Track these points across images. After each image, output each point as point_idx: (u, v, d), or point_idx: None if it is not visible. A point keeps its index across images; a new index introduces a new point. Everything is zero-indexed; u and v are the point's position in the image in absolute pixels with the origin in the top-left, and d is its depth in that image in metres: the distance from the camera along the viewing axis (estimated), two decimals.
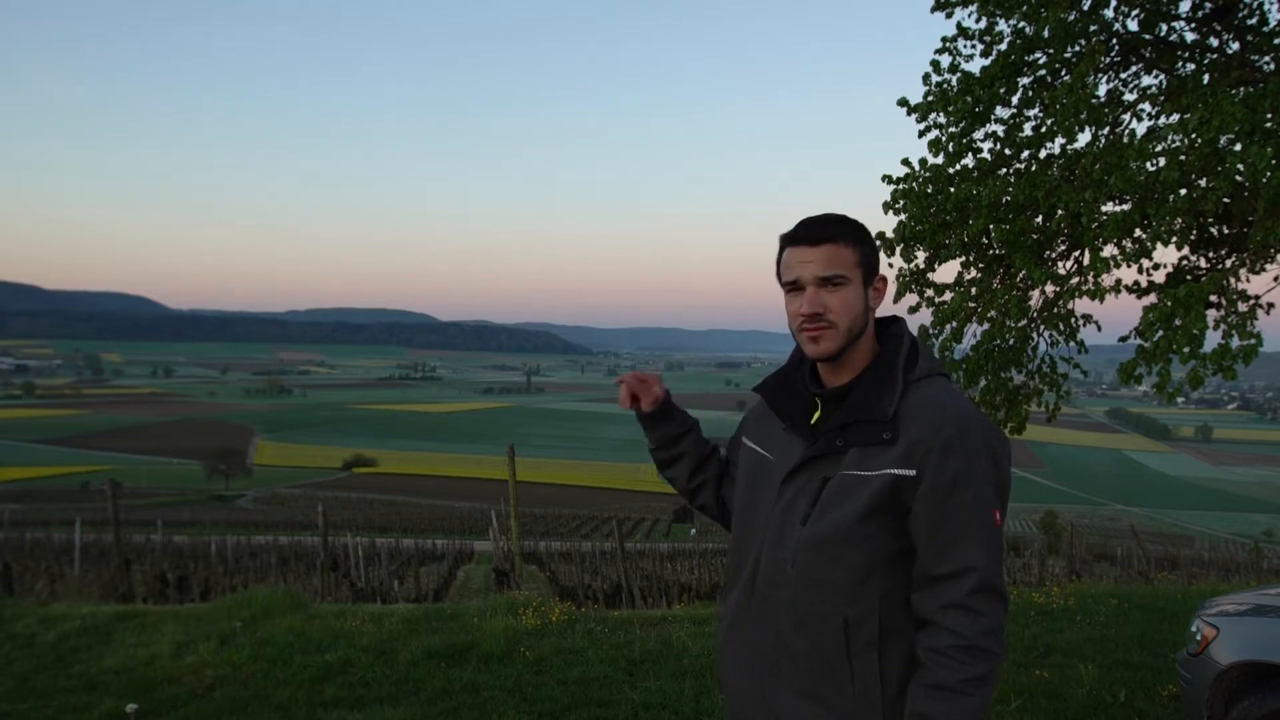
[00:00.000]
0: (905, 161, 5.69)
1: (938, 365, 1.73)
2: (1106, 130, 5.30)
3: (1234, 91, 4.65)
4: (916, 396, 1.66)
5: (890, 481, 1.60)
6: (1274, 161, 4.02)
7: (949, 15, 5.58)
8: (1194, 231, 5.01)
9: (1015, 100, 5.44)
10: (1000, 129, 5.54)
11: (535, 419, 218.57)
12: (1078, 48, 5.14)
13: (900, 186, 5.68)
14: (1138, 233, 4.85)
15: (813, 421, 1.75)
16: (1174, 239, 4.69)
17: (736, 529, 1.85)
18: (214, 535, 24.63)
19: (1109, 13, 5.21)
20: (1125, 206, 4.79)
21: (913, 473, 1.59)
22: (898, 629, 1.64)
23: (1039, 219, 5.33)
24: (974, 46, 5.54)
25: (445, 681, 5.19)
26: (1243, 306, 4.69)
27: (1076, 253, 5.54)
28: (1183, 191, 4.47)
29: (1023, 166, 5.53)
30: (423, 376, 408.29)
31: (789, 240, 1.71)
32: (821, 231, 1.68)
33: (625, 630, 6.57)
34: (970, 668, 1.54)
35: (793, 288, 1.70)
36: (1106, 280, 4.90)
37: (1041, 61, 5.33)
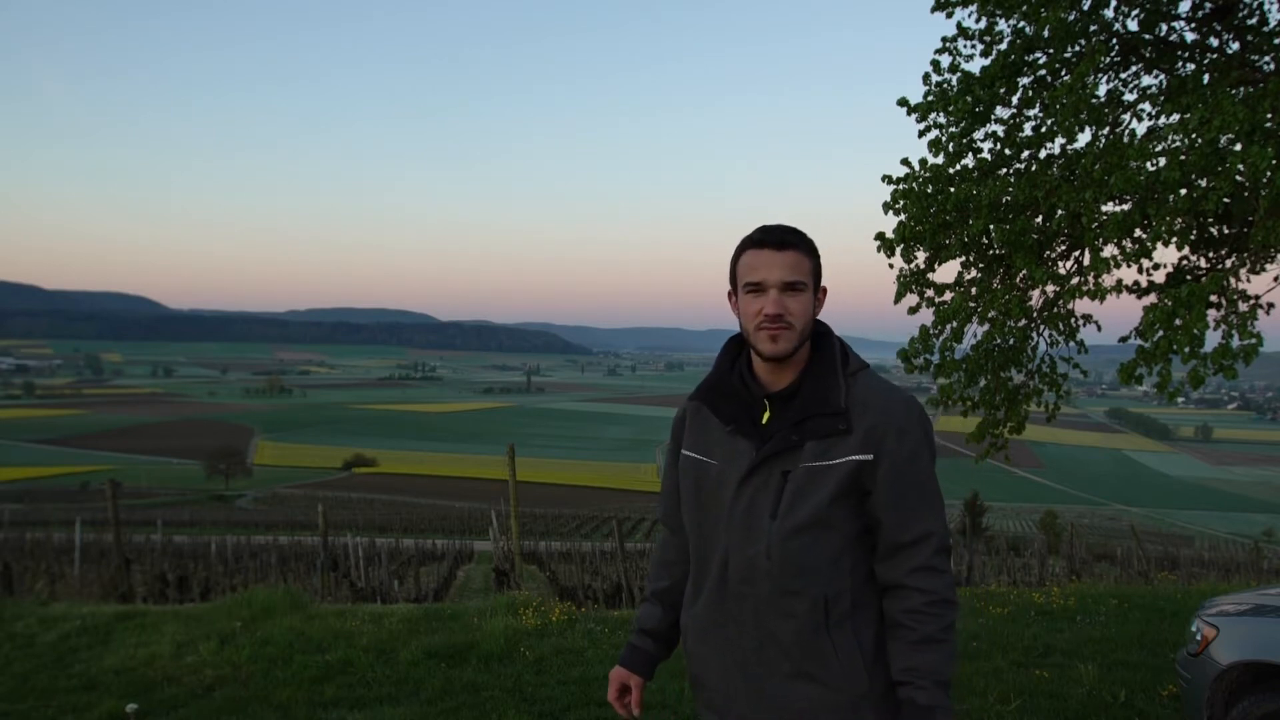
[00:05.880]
0: (905, 161, 5.69)
1: (861, 359, 1.89)
2: (1106, 130, 5.29)
3: (1234, 91, 4.65)
4: (859, 389, 1.80)
5: (853, 467, 1.74)
6: (1274, 161, 4.02)
7: (949, 15, 5.57)
8: (1194, 231, 5.00)
9: (1015, 100, 5.44)
10: (1000, 129, 5.53)
11: (535, 419, 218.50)
12: (1078, 48, 5.14)
13: (900, 186, 5.67)
14: (1138, 233, 4.84)
15: (764, 421, 1.84)
16: (1174, 239, 4.69)
17: (693, 537, 1.92)
18: (214, 535, 24.62)
19: (1109, 13, 5.20)
20: (1125, 206, 4.78)
21: (870, 457, 1.74)
22: (865, 600, 1.81)
23: (1039, 219, 5.32)
24: (974, 46, 5.53)
25: (445, 681, 5.19)
26: (1243, 306, 4.70)
27: (1076, 253, 5.53)
28: (1183, 191, 4.46)
29: (1023, 166, 5.52)
30: (422, 376, 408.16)
31: (753, 244, 1.82)
32: (785, 238, 1.80)
33: (625, 630, 6.57)
34: (943, 618, 1.74)
35: (755, 289, 1.80)
36: (1107, 280, 4.90)
37: (1041, 61, 5.33)
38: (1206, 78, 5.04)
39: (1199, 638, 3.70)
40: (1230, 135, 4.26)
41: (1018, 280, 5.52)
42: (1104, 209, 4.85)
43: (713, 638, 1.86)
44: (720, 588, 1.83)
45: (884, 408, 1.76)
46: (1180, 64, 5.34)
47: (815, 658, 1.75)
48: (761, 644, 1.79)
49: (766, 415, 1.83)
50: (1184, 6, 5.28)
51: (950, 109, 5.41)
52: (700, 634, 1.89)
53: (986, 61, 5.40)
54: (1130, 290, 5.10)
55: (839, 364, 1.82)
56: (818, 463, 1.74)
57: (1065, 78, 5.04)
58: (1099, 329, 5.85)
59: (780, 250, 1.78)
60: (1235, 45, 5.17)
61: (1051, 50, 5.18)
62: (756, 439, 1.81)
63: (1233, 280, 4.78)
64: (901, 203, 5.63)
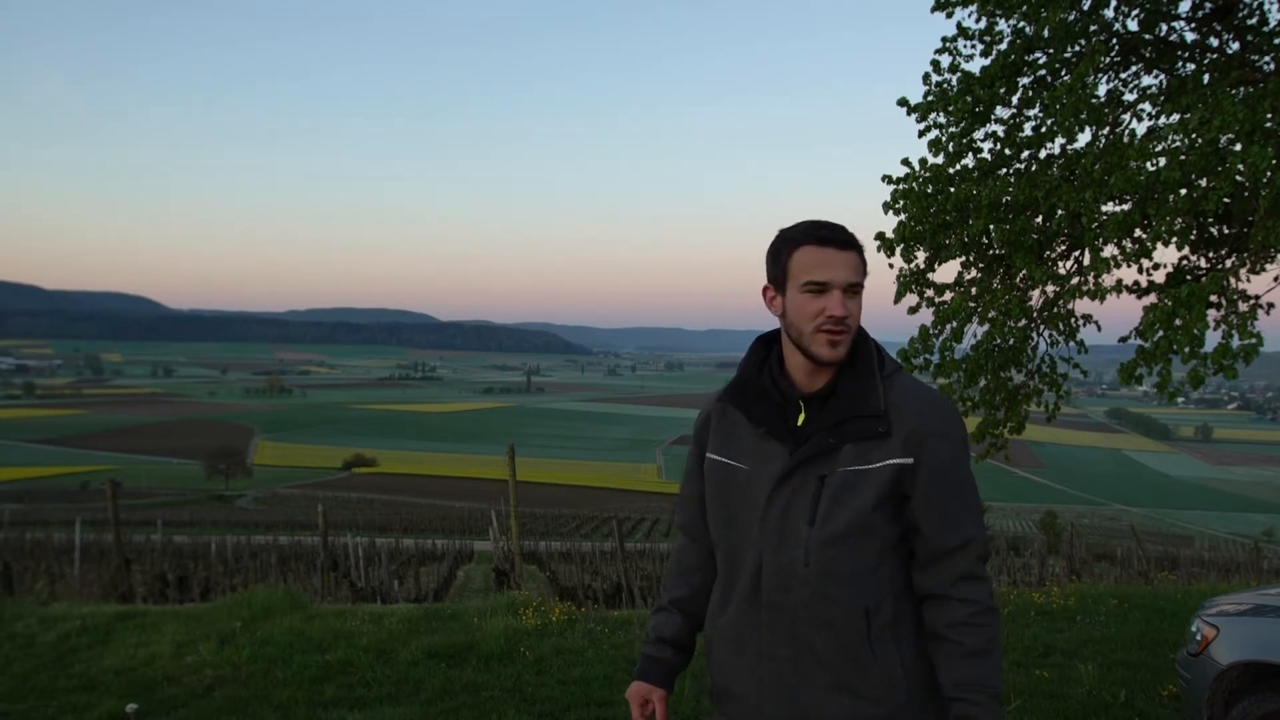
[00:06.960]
0: (905, 161, 5.69)
1: (896, 361, 1.84)
2: (1106, 130, 5.30)
3: (1234, 91, 4.65)
4: (896, 391, 1.75)
5: (893, 471, 1.69)
6: (1275, 161, 4.02)
7: (949, 15, 5.57)
8: (1194, 231, 5.00)
9: (1015, 100, 5.44)
10: (1000, 129, 5.53)
11: (535, 419, 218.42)
12: (1078, 48, 5.14)
13: (900, 186, 5.67)
14: (1138, 233, 4.84)
15: (799, 424, 1.75)
16: (1174, 239, 4.69)
17: (720, 545, 1.83)
18: (214, 535, 24.61)
19: (1109, 13, 5.21)
20: (1125, 206, 4.78)
21: (910, 460, 1.69)
22: (905, 609, 1.75)
23: (1039, 219, 5.32)
24: (974, 46, 5.54)
25: (445, 681, 5.19)
26: (1243, 306, 4.70)
27: (1076, 253, 5.53)
28: (1183, 191, 4.46)
29: (1023, 166, 5.52)
30: (422, 376, 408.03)
31: (815, 240, 1.71)
32: (848, 237, 1.73)
33: (625, 630, 6.57)
34: (989, 628, 1.71)
35: (818, 289, 1.70)
36: (1107, 280, 4.90)
37: (1041, 61, 5.33)
38: (1206, 78, 5.04)
39: (1199, 638, 3.70)
40: (1230, 135, 4.26)
41: (1018, 280, 5.52)
42: (1104, 209, 4.85)
43: (746, 649, 1.77)
44: (753, 596, 1.75)
45: (923, 410, 1.72)
46: (1180, 64, 5.34)
47: (856, 669, 1.69)
48: (797, 654, 1.71)
49: (801, 417, 1.76)
50: (1184, 6, 5.29)
51: (950, 109, 5.42)
52: (729, 644, 1.80)
53: (986, 61, 5.41)
54: (1130, 290, 5.11)
55: (876, 365, 1.76)
56: (856, 466, 1.69)
57: (1065, 78, 5.04)
58: (1099, 329, 5.86)
59: (844, 250, 1.70)
60: (1235, 45, 5.17)
61: (1051, 50, 5.18)
62: (790, 442, 1.74)
63: (1233, 280, 4.78)
64: (901, 203, 5.63)
